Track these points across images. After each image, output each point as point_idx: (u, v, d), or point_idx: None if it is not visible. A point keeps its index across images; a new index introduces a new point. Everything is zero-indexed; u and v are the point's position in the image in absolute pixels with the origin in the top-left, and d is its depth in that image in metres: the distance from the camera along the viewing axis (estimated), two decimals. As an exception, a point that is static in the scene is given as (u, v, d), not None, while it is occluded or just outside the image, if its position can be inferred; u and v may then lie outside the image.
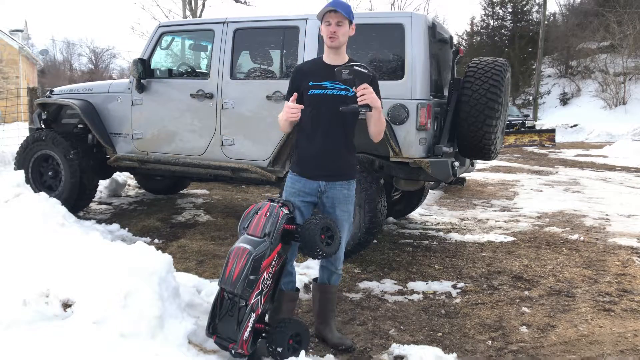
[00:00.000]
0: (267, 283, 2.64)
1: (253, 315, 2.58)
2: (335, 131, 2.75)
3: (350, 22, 2.74)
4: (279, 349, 2.59)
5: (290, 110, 2.68)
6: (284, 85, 3.54)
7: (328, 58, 2.80)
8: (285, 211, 2.69)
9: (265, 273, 2.61)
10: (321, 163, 2.74)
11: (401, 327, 3.26)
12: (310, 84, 2.75)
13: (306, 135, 2.79)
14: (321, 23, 2.77)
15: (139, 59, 5.24)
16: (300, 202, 2.78)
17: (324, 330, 2.96)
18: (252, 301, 2.58)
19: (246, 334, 2.55)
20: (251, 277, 2.56)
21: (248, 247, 2.60)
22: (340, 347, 2.89)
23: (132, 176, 7.45)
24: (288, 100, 2.79)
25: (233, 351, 2.56)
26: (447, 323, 3.32)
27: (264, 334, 2.68)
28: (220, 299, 2.69)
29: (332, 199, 2.78)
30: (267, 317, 2.79)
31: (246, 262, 2.56)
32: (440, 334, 3.17)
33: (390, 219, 5.97)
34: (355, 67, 2.58)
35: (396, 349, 2.91)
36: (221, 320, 2.67)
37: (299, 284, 3.78)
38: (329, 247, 2.67)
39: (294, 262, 4.00)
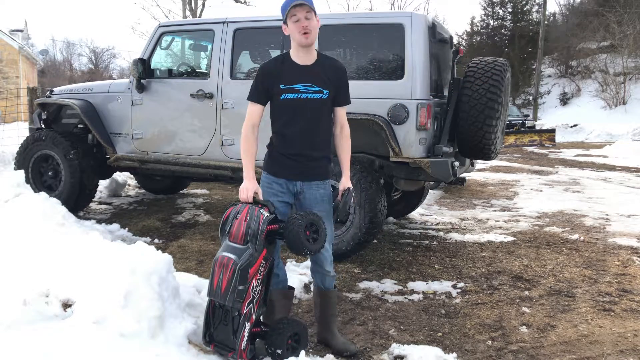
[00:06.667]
0: (257, 289, 2.59)
1: (248, 325, 2.55)
2: (311, 134, 2.67)
3: (316, 14, 2.59)
4: (279, 351, 2.58)
5: (248, 196, 2.62)
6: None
7: (298, 57, 2.63)
8: (266, 213, 2.58)
9: (253, 280, 2.55)
10: (298, 165, 2.68)
11: (401, 327, 3.26)
12: (282, 87, 2.60)
13: (281, 138, 2.70)
14: (284, 22, 2.59)
15: (139, 59, 5.24)
16: (278, 203, 2.72)
17: (327, 335, 2.92)
18: (245, 311, 2.55)
19: (244, 343, 2.53)
20: (240, 288, 2.49)
21: (232, 256, 2.52)
22: (345, 354, 2.85)
23: (132, 176, 7.45)
24: (252, 100, 2.67)
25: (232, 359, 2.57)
26: (447, 323, 3.32)
27: (261, 334, 2.67)
28: (212, 307, 2.66)
29: (310, 200, 2.73)
30: (262, 317, 2.78)
31: (233, 274, 2.49)
32: (440, 334, 3.17)
33: (390, 219, 5.97)
34: (346, 200, 2.70)
35: (396, 349, 2.90)
36: (216, 329, 2.65)
37: (299, 284, 3.79)
38: (315, 243, 2.57)
39: (294, 262, 3.99)
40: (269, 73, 2.66)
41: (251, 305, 2.56)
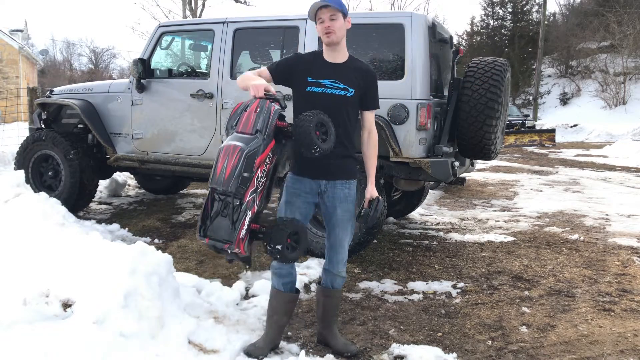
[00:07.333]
0: (262, 181, 2.50)
1: (249, 214, 2.45)
2: (335, 130, 2.67)
3: (345, 15, 2.65)
4: (279, 247, 2.47)
5: (258, 90, 2.56)
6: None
7: (328, 56, 2.71)
8: (277, 106, 2.52)
9: (259, 170, 2.47)
10: (320, 163, 2.68)
11: (401, 327, 3.26)
12: (309, 79, 2.67)
13: None
14: (315, 23, 2.70)
15: (139, 59, 5.24)
16: (302, 202, 2.73)
17: (328, 335, 2.92)
18: (248, 199, 2.45)
19: (242, 232, 2.43)
20: (245, 175, 2.41)
21: (239, 144, 2.44)
22: (345, 354, 2.84)
23: (132, 176, 7.45)
24: (269, 68, 2.71)
25: (230, 251, 2.46)
26: (447, 323, 3.32)
27: (260, 235, 2.55)
28: (210, 200, 2.53)
29: (333, 199, 2.73)
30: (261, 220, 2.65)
31: (239, 160, 2.40)
32: (440, 334, 3.17)
33: (390, 219, 5.97)
34: (377, 208, 2.68)
35: (396, 349, 2.90)
36: (213, 222, 2.51)
37: (299, 284, 3.78)
38: (325, 143, 2.49)
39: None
40: (302, 61, 2.74)
41: (254, 195, 2.47)
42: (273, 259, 2.59)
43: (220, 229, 2.49)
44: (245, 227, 2.44)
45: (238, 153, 2.42)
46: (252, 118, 2.50)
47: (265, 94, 2.57)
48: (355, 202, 2.81)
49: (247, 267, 2.61)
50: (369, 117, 2.78)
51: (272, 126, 2.49)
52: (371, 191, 2.75)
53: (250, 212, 2.46)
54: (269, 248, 2.51)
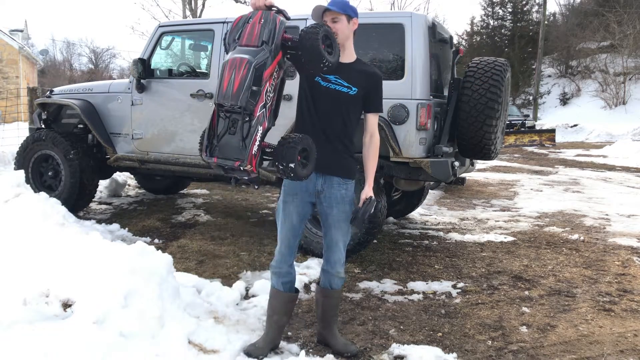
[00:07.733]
0: (270, 96, 2.42)
1: (260, 129, 2.37)
2: (333, 126, 2.69)
3: (350, 17, 2.67)
4: (291, 165, 2.38)
5: None
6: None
7: None
8: (281, 17, 2.45)
9: (267, 84, 2.38)
10: (317, 155, 2.65)
11: (401, 327, 3.26)
12: None
13: (302, 128, 2.72)
14: None
15: (139, 59, 5.24)
16: (299, 202, 2.73)
17: (328, 335, 2.92)
18: (258, 114, 2.37)
19: (254, 148, 2.35)
20: (254, 89, 2.32)
21: (246, 56, 2.34)
22: (346, 354, 2.84)
23: (132, 176, 7.45)
24: None
25: (242, 168, 2.38)
26: (447, 323, 3.32)
27: (267, 155, 2.47)
28: (215, 119, 2.45)
29: (330, 199, 2.72)
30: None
31: (247, 72, 2.31)
32: (440, 334, 3.17)
33: (390, 219, 5.97)
34: (366, 209, 2.64)
35: (396, 349, 2.90)
36: (220, 141, 2.42)
37: (299, 284, 3.78)
38: (332, 56, 2.43)
39: (294, 262, 3.99)
40: None
41: (264, 110, 2.40)
42: (285, 178, 2.50)
43: (229, 147, 2.40)
44: (257, 143, 2.37)
45: (246, 65, 2.32)
46: (256, 29, 2.41)
47: (265, 6, 2.51)
48: (352, 203, 2.80)
49: (256, 187, 2.58)
50: (372, 120, 2.77)
51: (278, 37, 2.42)
52: (367, 192, 2.74)
53: (261, 127, 2.39)
54: (280, 167, 2.41)
